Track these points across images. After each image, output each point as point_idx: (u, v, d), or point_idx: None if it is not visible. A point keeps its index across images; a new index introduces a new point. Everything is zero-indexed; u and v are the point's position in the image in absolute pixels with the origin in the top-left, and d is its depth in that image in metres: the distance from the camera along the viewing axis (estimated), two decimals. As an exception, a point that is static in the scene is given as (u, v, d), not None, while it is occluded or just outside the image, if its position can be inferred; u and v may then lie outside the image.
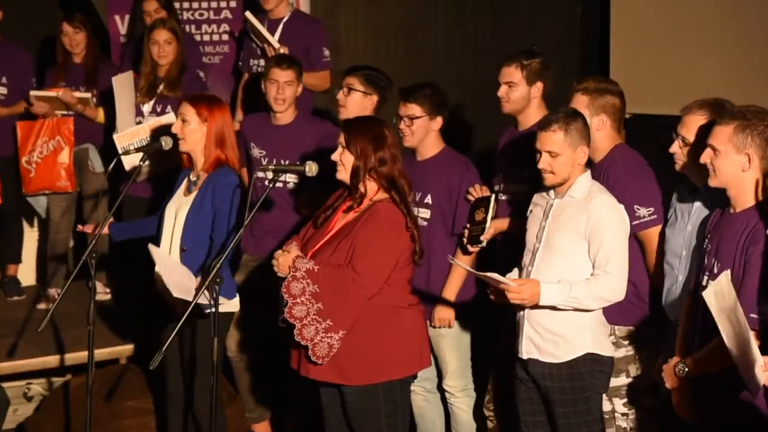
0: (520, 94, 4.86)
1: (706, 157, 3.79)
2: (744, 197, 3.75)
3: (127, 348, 6.05)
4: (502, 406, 5.05)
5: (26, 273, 7.13)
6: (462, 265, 4.53)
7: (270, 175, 4.70)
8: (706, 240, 3.89)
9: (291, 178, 5.40)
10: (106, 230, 4.92)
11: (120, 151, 5.55)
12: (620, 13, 7.63)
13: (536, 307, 4.21)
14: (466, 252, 4.88)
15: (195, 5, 7.10)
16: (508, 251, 4.72)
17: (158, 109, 6.03)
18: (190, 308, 4.11)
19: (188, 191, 4.80)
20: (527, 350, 4.31)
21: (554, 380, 4.28)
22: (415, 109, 4.93)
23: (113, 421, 5.51)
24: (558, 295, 4.16)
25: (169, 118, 5.65)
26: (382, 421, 4.27)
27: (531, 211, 4.45)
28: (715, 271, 3.73)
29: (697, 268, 3.96)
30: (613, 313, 4.36)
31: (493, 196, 4.81)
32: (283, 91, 5.35)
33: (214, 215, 4.67)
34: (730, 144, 3.71)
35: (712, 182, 3.81)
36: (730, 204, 3.81)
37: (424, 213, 4.95)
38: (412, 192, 4.63)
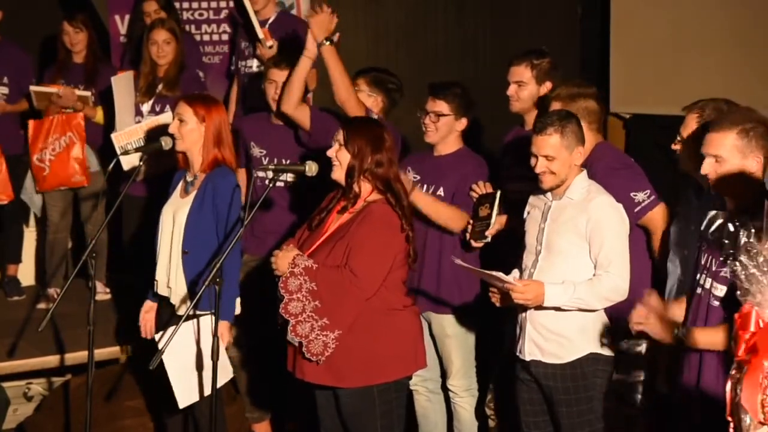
0: (529, 93, 4.91)
1: (707, 167, 3.70)
2: (744, 198, 3.73)
3: (127, 348, 6.05)
4: (503, 404, 5.05)
5: (26, 273, 7.12)
6: (466, 265, 4.51)
7: (270, 174, 4.70)
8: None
9: (291, 178, 5.40)
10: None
11: (118, 151, 5.54)
12: (620, 13, 7.63)
13: (539, 308, 4.21)
14: (468, 248, 4.88)
15: (195, 5, 7.10)
16: (509, 250, 4.72)
17: (157, 109, 6.04)
18: (191, 308, 4.11)
19: (185, 192, 4.75)
20: (530, 352, 4.31)
21: (558, 380, 4.28)
22: (443, 106, 4.94)
23: (113, 421, 5.51)
24: (562, 295, 4.16)
25: (166, 117, 5.65)
26: (378, 422, 4.25)
27: (528, 213, 4.45)
28: (713, 269, 3.72)
29: (694, 267, 3.95)
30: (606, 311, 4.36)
31: (499, 192, 4.80)
32: (281, 91, 5.34)
33: (216, 215, 4.65)
34: (735, 150, 3.66)
35: (715, 189, 3.75)
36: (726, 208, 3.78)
37: None
38: (423, 185, 4.62)
